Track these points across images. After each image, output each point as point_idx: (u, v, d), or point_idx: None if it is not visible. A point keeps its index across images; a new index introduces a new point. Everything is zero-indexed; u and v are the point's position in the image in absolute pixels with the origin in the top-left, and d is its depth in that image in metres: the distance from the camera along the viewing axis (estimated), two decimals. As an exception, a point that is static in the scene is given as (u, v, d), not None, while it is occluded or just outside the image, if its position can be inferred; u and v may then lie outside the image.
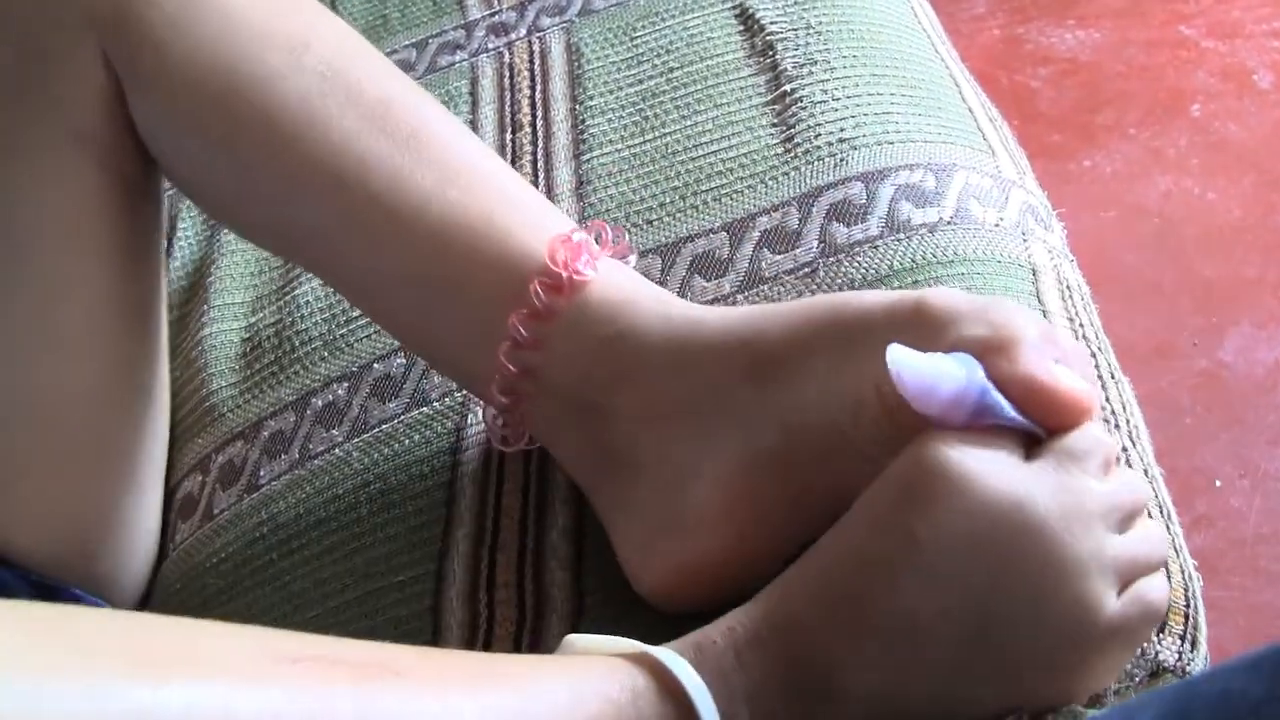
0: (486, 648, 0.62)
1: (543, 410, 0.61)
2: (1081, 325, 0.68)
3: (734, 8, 0.87)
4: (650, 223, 0.74)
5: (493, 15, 0.95)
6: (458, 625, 0.63)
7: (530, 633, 0.62)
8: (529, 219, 0.62)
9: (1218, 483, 1.32)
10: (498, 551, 0.65)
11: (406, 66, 0.93)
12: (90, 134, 0.66)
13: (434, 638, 0.63)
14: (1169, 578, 0.55)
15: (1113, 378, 0.66)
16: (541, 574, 0.64)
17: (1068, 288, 0.70)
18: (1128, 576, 0.49)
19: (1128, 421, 0.64)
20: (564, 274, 0.59)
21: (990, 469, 0.47)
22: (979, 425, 0.49)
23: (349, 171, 0.62)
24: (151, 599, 0.75)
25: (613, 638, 0.49)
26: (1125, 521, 0.50)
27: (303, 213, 0.64)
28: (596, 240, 0.61)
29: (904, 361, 0.48)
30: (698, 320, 0.58)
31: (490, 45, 0.93)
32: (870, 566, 0.48)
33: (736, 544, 0.56)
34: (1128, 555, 0.49)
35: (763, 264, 0.70)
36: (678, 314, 0.59)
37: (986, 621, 0.48)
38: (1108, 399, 0.64)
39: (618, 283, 0.60)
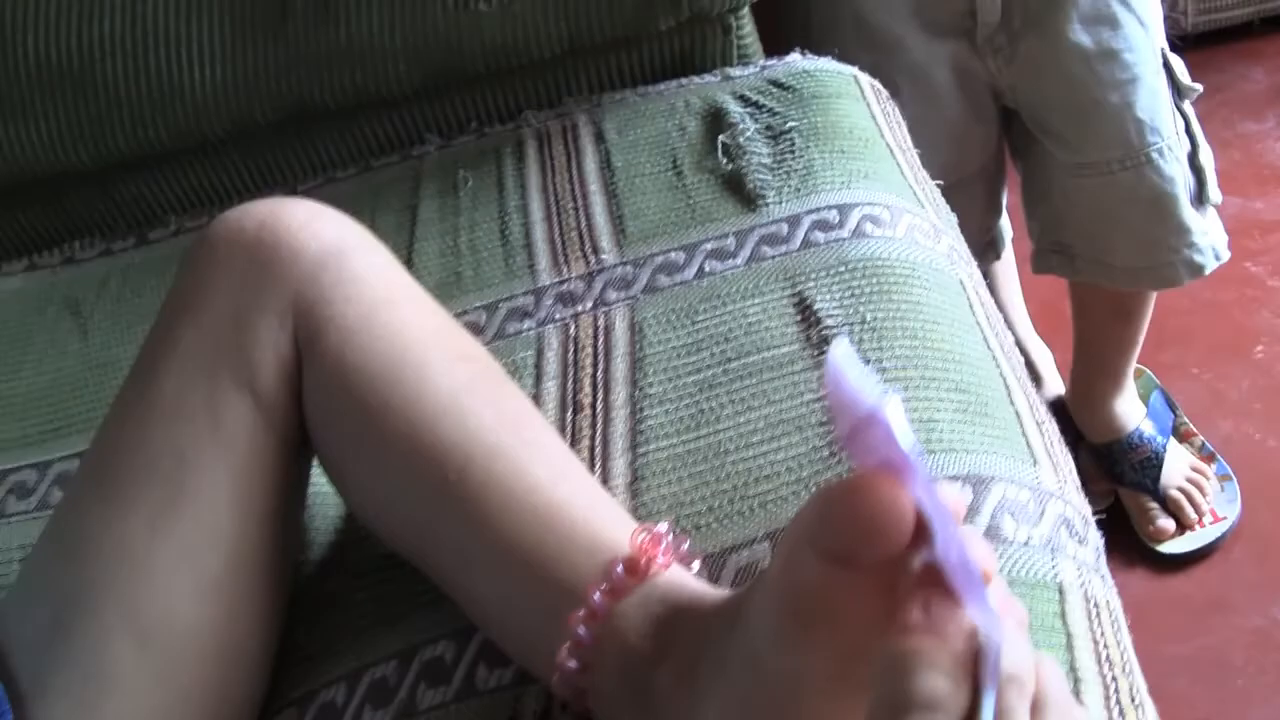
0: None
1: (603, 685, 0.66)
2: (1106, 647, 0.69)
3: (793, 296, 0.90)
4: (698, 528, 0.77)
5: (561, 283, 1.00)
6: None
7: None
8: (615, 517, 0.72)
9: (1268, 748, 1.31)
10: None
11: (475, 329, 0.98)
12: (269, 398, 0.77)
13: None
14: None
15: (1133, 701, 0.68)
16: None
17: (1095, 606, 0.71)
18: None
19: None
20: (642, 560, 0.66)
21: None
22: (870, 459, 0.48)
23: (478, 454, 0.72)
24: None
25: None
26: None
27: (427, 488, 0.73)
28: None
29: (844, 356, 0.47)
30: (723, 596, 0.64)
31: (557, 316, 0.97)
32: None
33: None
34: None
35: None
36: (714, 595, 0.65)
37: None
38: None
39: (677, 576, 0.67)
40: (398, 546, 0.78)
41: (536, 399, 0.90)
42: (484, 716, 0.73)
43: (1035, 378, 1.69)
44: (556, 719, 0.71)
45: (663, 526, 0.68)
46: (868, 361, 0.83)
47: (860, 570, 0.51)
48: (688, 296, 0.94)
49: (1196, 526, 1.53)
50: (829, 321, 0.87)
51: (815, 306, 0.89)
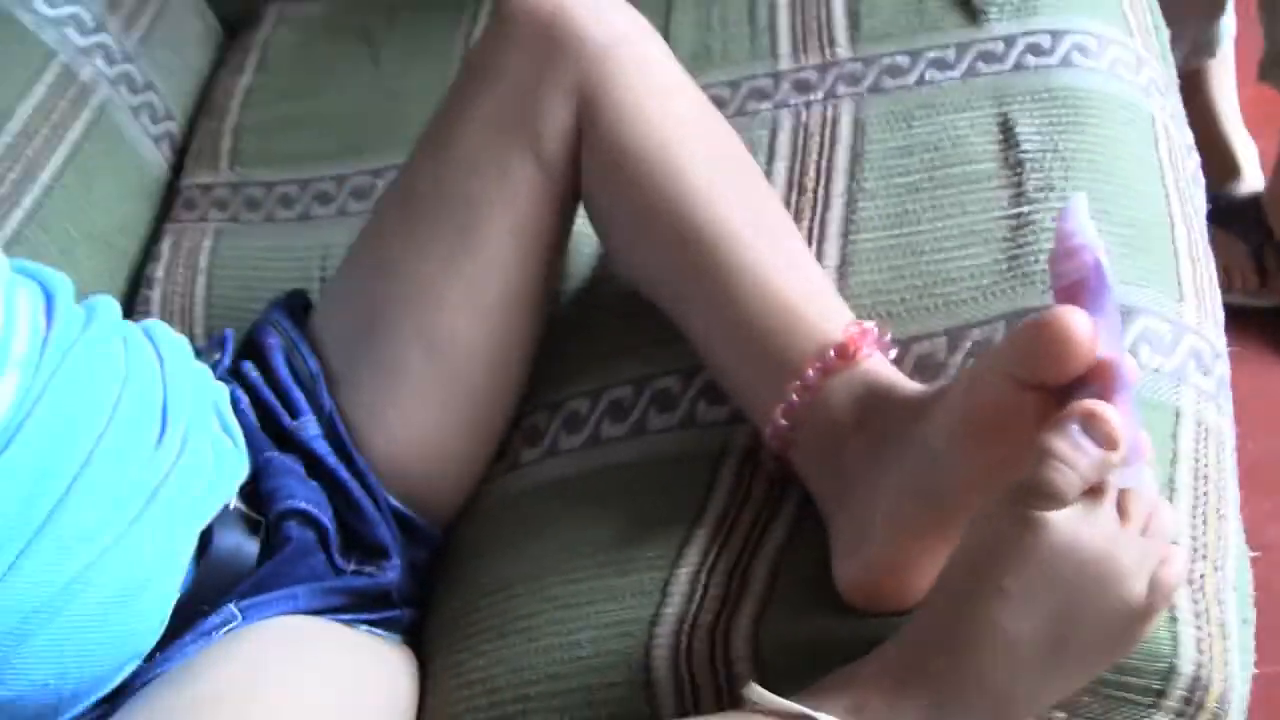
0: (695, 621, 0.83)
1: (805, 441, 0.85)
2: (1207, 466, 0.85)
3: (998, 116, 1.04)
4: (891, 315, 0.93)
5: (798, 71, 1.14)
6: (680, 596, 0.84)
7: (728, 615, 0.83)
8: (833, 307, 0.88)
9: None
10: (725, 548, 0.86)
11: (720, 103, 1.12)
12: (551, 161, 0.95)
13: (662, 600, 0.84)
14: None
15: (1218, 514, 0.83)
16: (749, 570, 0.85)
17: (1205, 431, 0.86)
18: (1151, 563, 0.69)
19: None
20: (851, 348, 0.83)
21: (1052, 526, 0.66)
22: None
23: (726, 237, 0.89)
24: (457, 529, 1.00)
25: (788, 701, 0.71)
26: (1144, 524, 0.69)
27: (680, 258, 0.91)
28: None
29: (1082, 203, 0.71)
30: (915, 389, 0.82)
31: (791, 101, 1.11)
32: (973, 616, 0.69)
33: (907, 561, 0.77)
34: (1149, 551, 0.69)
35: (968, 372, 0.89)
36: (907, 386, 0.83)
37: (1061, 628, 0.68)
38: (1205, 532, 0.82)
39: (878, 365, 0.84)
40: (647, 294, 0.96)
41: (767, 175, 1.05)
42: (701, 443, 0.93)
43: (1235, 171, 1.73)
44: (760, 455, 0.89)
45: (871, 324, 0.85)
46: (1054, 188, 0.97)
47: (1038, 393, 0.68)
48: (907, 101, 1.08)
49: None
50: (1026, 146, 1.01)
51: (1016, 130, 1.02)
